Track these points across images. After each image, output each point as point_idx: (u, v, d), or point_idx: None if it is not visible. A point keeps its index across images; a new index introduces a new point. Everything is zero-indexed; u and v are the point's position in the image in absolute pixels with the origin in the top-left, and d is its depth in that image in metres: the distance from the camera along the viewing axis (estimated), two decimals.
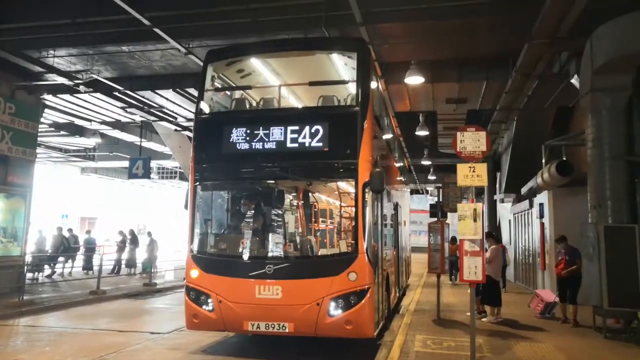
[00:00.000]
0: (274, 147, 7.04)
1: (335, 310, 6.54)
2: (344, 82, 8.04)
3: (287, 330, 6.68)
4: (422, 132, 16.99)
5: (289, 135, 7.02)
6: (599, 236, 8.39)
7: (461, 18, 9.57)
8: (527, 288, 15.57)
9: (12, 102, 12.66)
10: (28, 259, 14.06)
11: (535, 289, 12.32)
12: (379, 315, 7.60)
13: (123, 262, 19.14)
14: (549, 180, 12.21)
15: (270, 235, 7.42)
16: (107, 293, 13.29)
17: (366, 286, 6.61)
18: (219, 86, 8.34)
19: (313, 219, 8.58)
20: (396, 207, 11.51)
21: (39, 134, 14.31)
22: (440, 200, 19.71)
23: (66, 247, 17.67)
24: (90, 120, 17.55)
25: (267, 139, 7.08)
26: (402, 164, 14.69)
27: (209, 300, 6.97)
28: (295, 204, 8.36)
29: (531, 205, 14.66)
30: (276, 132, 7.07)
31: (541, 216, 11.33)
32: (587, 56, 9.01)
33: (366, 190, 6.77)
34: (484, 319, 9.88)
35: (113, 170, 29.75)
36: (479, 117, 16.55)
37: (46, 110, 15.42)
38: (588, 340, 7.97)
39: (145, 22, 9.26)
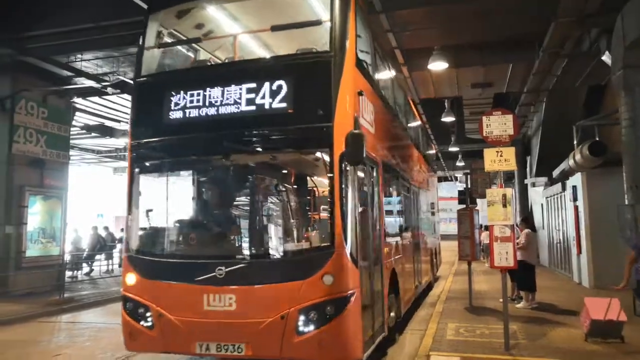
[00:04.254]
0: (225, 111, 5.50)
1: (305, 326, 4.91)
2: (315, 24, 6.06)
3: (242, 353, 5.10)
4: (448, 118, 16.79)
5: (244, 96, 5.45)
6: (637, 217, 8.14)
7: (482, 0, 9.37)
8: (563, 273, 15.24)
9: (44, 107, 13.10)
10: (67, 257, 14.53)
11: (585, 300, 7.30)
12: (375, 329, 5.86)
13: None
14: (581, 162, 11.87)
15: (221, 228, 6.02)
16: None
17: (349, 292, 4.94)
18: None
19: (277, 206, 6.40)
20: (410, 187, 9.75)
21: (71, 137, 14.77)
22: (469, 186, 19.34)
23: (102, 245, 18.21)
24: (119, 121, 17.97)
25: (214, 102, 5.55)
26: (421, 132, 13.32)
27: (147, 314, 5.52)
28: (254, 186, 6.37)
29: (564, 188, 14.28)
30: (227, 93, 5.52)
31: (575, 199, 11.02)
32: (618, 32, 8.70)
33: (345, 162, 5.10)
34: (517, 305, 9.72)
35: None
36: (506, 100, 16.23)
37: (77, 113, 15.84)
38: (629, 326, 7.74)
39: None
